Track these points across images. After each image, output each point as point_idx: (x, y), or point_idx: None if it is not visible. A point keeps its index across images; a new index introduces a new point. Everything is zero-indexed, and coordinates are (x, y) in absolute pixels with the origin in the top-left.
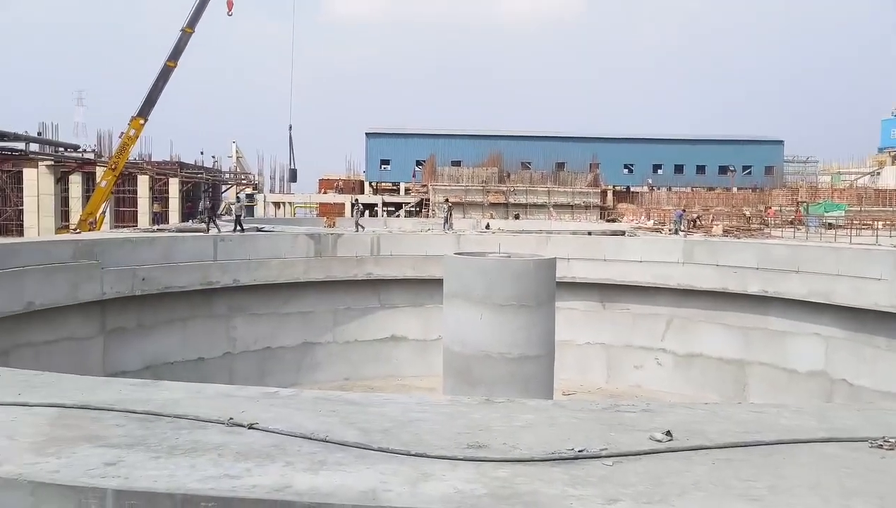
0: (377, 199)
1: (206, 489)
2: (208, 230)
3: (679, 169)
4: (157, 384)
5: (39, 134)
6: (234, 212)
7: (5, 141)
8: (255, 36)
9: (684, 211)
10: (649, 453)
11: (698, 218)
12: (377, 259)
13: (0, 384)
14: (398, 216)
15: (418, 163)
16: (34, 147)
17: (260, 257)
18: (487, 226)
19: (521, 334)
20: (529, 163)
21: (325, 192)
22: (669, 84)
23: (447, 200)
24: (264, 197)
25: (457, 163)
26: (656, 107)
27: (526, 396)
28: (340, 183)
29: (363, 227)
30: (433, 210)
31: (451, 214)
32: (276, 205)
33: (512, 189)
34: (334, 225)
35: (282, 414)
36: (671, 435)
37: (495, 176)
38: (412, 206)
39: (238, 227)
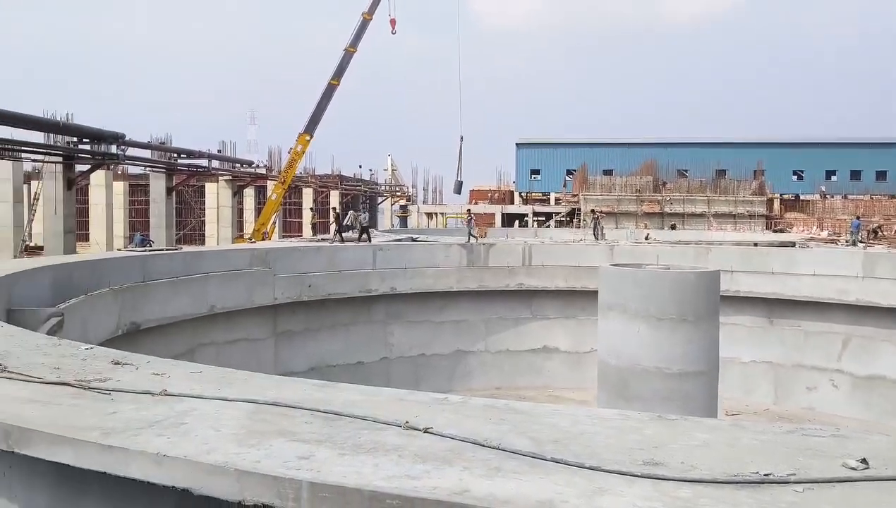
0: (527, 209)
1: (390, 487)
2: (338, 241)
3: (856, 175)
4: (336, 385)
5: (219, 151)
6: (359, 223)
7: (192, 158)
8: (408, 51)
9: (861, 219)
10: (843, 481)
11: (879, 228)
12: (529, 269)
13: (203, 379)
14: (548, 226)
15: (569, 172)
16: (215, 163)
17: (415, 266)
18: (647, 238)
19: (680, 349)
20: (686, 171)
21: (475, 203)
22: (841, 83)
23: (593, 210)
24: (417, 208)
25: (609, 172)
26: (825, 109)
27: (686, 415)
28: (492, 193)
29: (476, 238)
30: (584, 220)
31: (597, 224)
32: (429, 215)
33: (668, 198)
34: (485, 235)
35: (453, 420)
36: (867, 463)
37: (650, 185)
38: (563, 216)
39: (364, 237)
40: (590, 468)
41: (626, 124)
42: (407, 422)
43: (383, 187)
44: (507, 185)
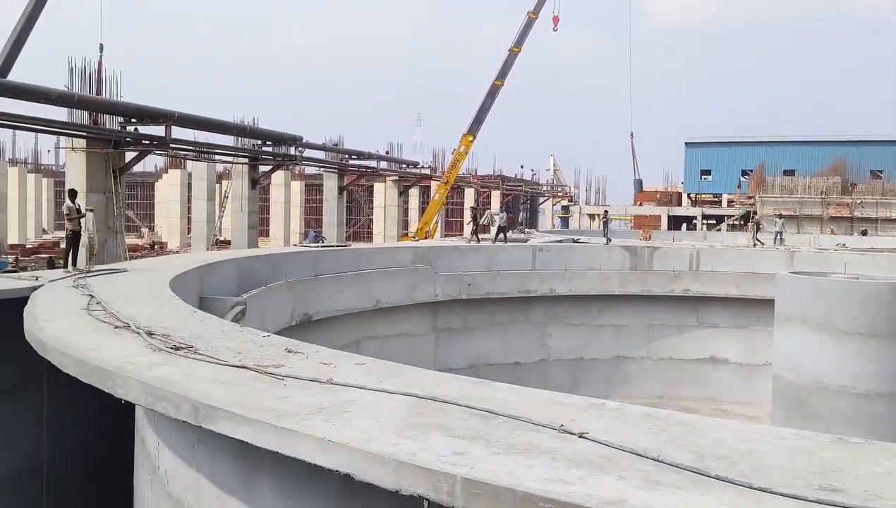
0: (696, 212)
1: (543, 490)
2: (474, 240)
3: None
4: (492, 384)
5: (387, 152)
6: (496, 223)
7: (362, 159)
8: (570, 50)
9: None
10: None
11: None
12: (696, 274)
13: (367, 371)
14: (718, 230)
15: (744, 173)
16: (383, 164)
17: (575, 268)
18: (844, 245)
19: (871, 367)
20: (881, 172)
21: (640, 204)
22: None
23: (753, 214)
24: (580, 208)
25: (790, 173)
26: None
27: (873, 439)
28: (658, 195)
29: (609, 239)
30: (757, 224)
31: (758, 228)
32: (591, 217)
33: (858, 201)
34: (650, 238)
35: (610, 427)
36: None
37: (837, 186)
38: (735, 219)
39: (501, 237)
40: (759, 489)
41: (809, 121)
42: (562, 425)
43: (545, 187)
44: (674, 186)
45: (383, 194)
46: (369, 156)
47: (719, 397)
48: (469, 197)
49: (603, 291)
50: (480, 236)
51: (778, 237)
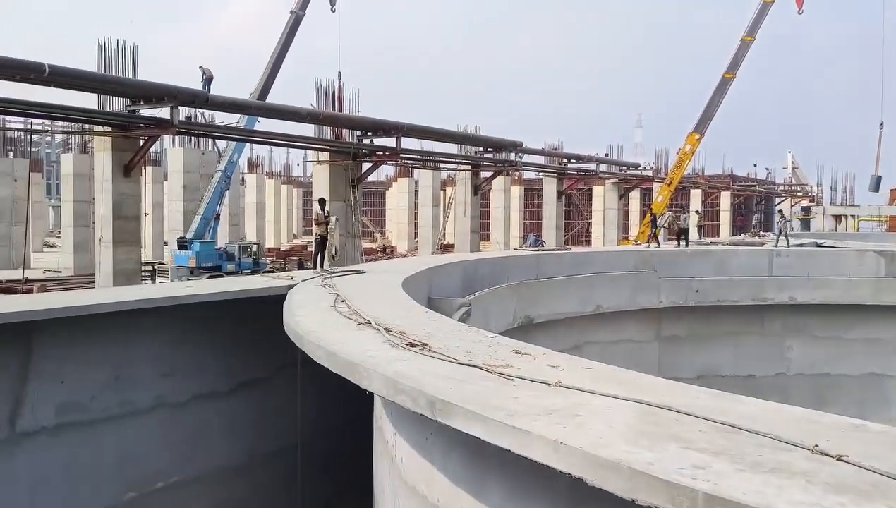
0: None
1: None
2: (654, 244)
3: None
4: (732, 396)
5: (606, 155)
6: (677, 225)
7: (580, 162)
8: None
9: None
10: None
11: None
12: None
13: (594, 375)
14: None
15: None
16: (602, 167)
17: (820, 275)
18: None
19: None
20: None
21: (895, 203)
22: None
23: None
24: (823, 210)
25: None
26: None
27: None
28: None
29: (787, 241)
30: None
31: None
32: (836, 218)
33: None
34: None
35: (874, 451)
36: None
37: None
38: None
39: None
40: None
41: None
42: (816, 446)
43: (781, 187)
44: None
45: (602, 197)
46: (588, 159)
47: None
48: (696, 198)
49: (852, 301)
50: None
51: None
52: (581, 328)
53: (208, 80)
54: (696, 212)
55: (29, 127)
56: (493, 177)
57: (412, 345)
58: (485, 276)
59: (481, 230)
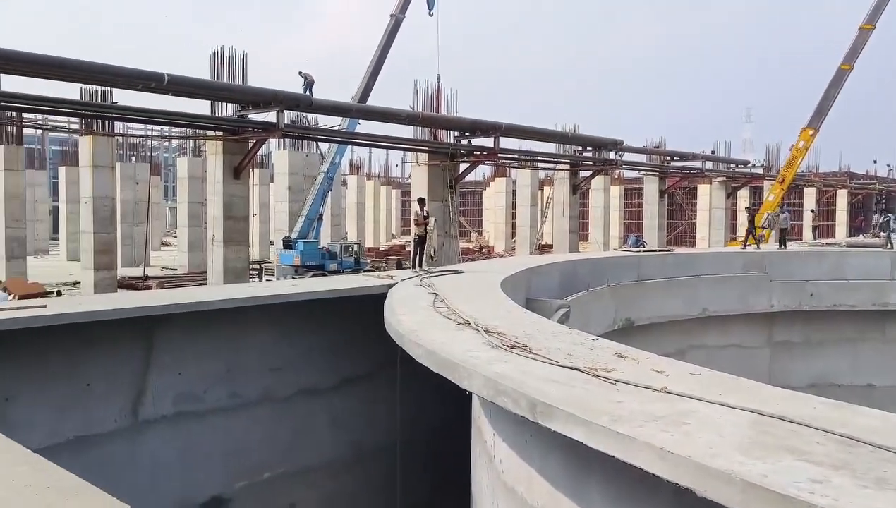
0: None
1: None
2: (752, 245)
3: None
4: (852, 407)
5: (712, 152)
6: (778, 224)
7: (684, 161)
8: None
9: None
10: None
11: None
12: None
13: (702, 382)
14: None
15: None
16: (708, 165)
17: None
18: None
19: None
20: None
21: None
22: None
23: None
24: None
25: None
26: None
27: None
28: None
29: (892, 245)
30: None
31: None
32: None
33: None
34: None
35: None
36: None
37: None
38: None
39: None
40: None
41: None
42: None
43: None
44: None
45: (708, 196)
46: (692, 157)
47: None
48: (810, 197)
49: None
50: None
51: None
52: (685, 331)
53: (309, 84)
54: (787, 212)
55: (149, 133)
56: (592, 176)
57: (512, 346)
58: (584, 277)
59: (580, 230)
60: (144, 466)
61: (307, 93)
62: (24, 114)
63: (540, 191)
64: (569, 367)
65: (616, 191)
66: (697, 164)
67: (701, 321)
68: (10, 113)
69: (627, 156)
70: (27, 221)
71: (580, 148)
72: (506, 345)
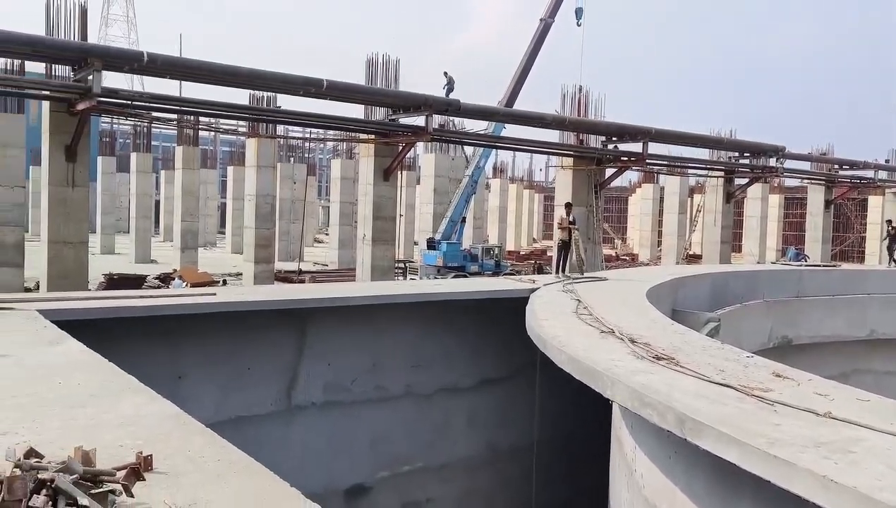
0: None
1: None
2: (891, 263)
3: None
4: None
5: (887, 161)
6: None
7: (854, 169)
8: None
9: None
10: None
11: None
12: None
13: (871, 409)
14: None
15: None
16: (882, 174)
17: None
18: None
19: None
20: None
21: None
22: None
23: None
24: None
25: None
26: None
27: None
28: None
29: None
30: None
31: None
32: None
33: None
34: None
35: None
36: None
37: None
38: None
39: None
40: None
41: None
42: None
43: None
44: None
45: (880, 208)
46: (864, 166)
47: None
48: None
49: None
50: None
51: None
52: (849, 354)
53: (450, 84)
54: None
55: (307, 136)
56: (748, 184)
57: (658, 358)
58: (736, 291)
59: (732, 241)
60: (295, 450)
61: (447, 93)
62: (200, 118)
63: (689, 199)
64: (721, 384)
65: (774, 200)
66: (869, 173)
67: (868, 343)
68: (189, 117)
69: (789, 164)
70: (199, 216)
71: (736, 154)
72: (652, 356)
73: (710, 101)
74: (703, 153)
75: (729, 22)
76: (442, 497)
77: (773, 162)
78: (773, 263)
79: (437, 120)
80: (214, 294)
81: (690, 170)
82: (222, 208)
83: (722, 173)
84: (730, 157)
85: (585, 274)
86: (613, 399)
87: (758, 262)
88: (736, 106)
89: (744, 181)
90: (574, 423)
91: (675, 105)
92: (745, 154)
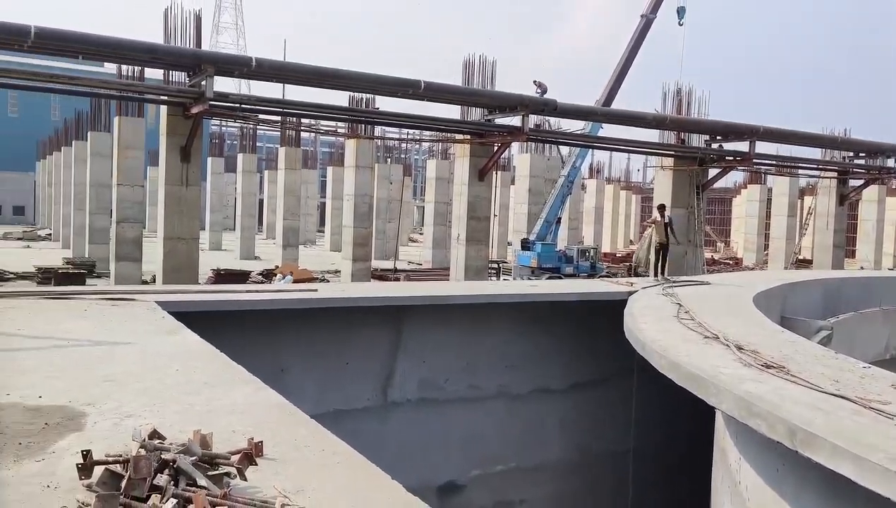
0: None
1: None
2: None
3: None
4: None
5: None
6: None
7: None
8: None
9: None
10: None
11: None
12: None
13: None
14: None
15: None
16: None
17: None
18: None
19: None
20: None
21: None
22: None
23: None
24: None
25: None
26: None
27: None
28: None
29: None
30: None
31: None
32: None
33: None
34: None
35: None
36: None
37: None
38: None
39: None
40: None
41: None
42: None
43: None
44: None
45: None
46: None
47: None
48: None
49: None
50: None
51: None
52: None
53: (543, 92)
54: None
55: (403, 136)
56: (864, 185)
57: (767, 366)
58: (850, 298)
59: (846, 246)
60: (390, 445)
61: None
62: (302, 120)
63: (799, 201)
64: (835, 395)
65: (893, 203)
66: None
67: None
68: (291, 119)
69: None
70: (300, 215)
71: (851, 154)
72: (760, 365)
73: (817, 102)
74: (814, 153)
75: (835, 20)
76: (534, 498)
77: (891, 162)
78: (891, 269)
79: (532, 120)
80: (316, 290)
81: (801, 171)
82: (322, 207)
83: (835, 174)
84: (844, 157)
85: (686, 278)
86: (719, 407)
87: (875, 269)
88: (848, 105)
89: (859, 182)
90: (673, 430)
91: (776, 104)
92: (861, 154)
